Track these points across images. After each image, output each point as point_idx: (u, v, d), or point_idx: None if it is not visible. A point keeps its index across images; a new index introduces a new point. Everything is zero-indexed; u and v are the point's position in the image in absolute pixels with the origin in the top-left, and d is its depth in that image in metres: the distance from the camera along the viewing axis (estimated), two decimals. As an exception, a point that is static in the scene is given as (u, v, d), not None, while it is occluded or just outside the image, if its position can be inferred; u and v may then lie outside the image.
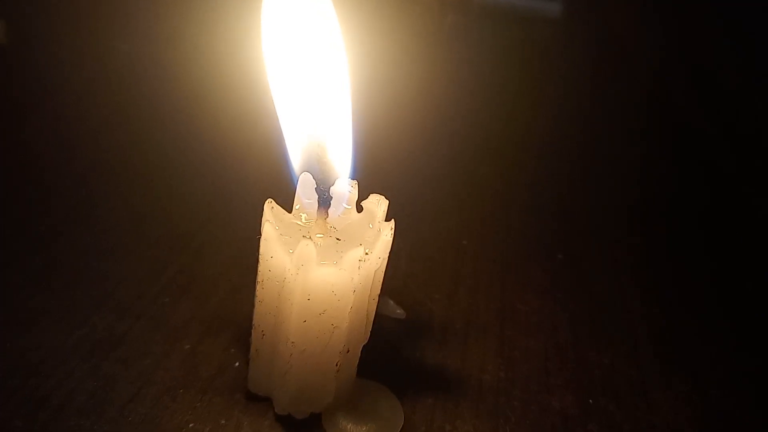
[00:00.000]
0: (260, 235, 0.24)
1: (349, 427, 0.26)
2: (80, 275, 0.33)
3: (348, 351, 0.26)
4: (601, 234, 0.44)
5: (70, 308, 0.31)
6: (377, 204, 0.26)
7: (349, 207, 0.26)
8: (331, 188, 0.25)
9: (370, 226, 0.26)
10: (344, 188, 0.26)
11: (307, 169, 0.25)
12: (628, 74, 0.74)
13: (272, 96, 0.25)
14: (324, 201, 0.25)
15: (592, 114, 0.64)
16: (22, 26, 0.55)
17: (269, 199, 0.25)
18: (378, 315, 0.27)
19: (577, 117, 0.63)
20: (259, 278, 0.25)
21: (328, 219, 0.25)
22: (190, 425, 0.26)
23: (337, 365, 0.25)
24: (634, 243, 0.44)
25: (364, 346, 0.27)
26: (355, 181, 0.26)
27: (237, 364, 0.29)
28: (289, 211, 0.26)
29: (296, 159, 0.25)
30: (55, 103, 0.50)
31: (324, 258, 0.24)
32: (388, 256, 0.25)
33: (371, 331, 0.27)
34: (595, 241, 0.43)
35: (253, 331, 0.26)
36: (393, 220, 0.25)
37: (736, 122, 0.62)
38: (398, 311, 0.33)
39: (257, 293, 0.25)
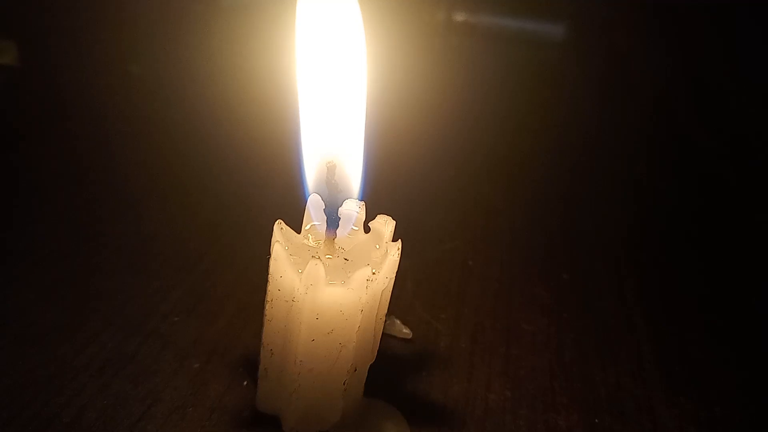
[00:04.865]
0: (270, 255, 0.25)
1: (356, 445, 0.27)
2: (91, 293, 0.34)
3: (355, 370, 0.26)
4: (606, 253, 0.44)
5: (80, 326, 0.31)
6: (384, 225, 0.26)
7: (357, 228, 0.26)
8: (340, 209, 0.25)
9: (378, 246, 0.26)
10: (352, 209, 0.26)
11: (316, 191, 0.26)
12: (631, 94, 0.74)
13: (294, 116, 0.25)
14: (332, 222, 0.25)
15: (596, 134, 0.65)
16: (33, 49, 0.56)
17: (279, 220, 0.25)
18: (385, 335, 0.28)
19: (581, 137, 0.63)
20: (268, 297, 0.25)
21: (336, 240, 0.26)
22: (199, 443, 0.27)
23: (344, 384, 0.25)
24: (638, 261, 0.44)
25: (371, 365, 0.27)
26: (363, 203, 0.26)
27: (245, 382, 0.29)
28: (298, 232, 0.26)
29: (308, 180, 0.26)
30: (66, 125, 0.51)
31: (332, 278, 0.24)
32: (395, 277, 0.26)
33: (378, 351, 0.27)
34: (600, 261, 0.43)
35: (261, 349, 0.26)
36: (400, 240, 0.25)
37: (739, 139, 0.62)
38: (405, 331, 0.33)
39: (266, 312, 0.26)
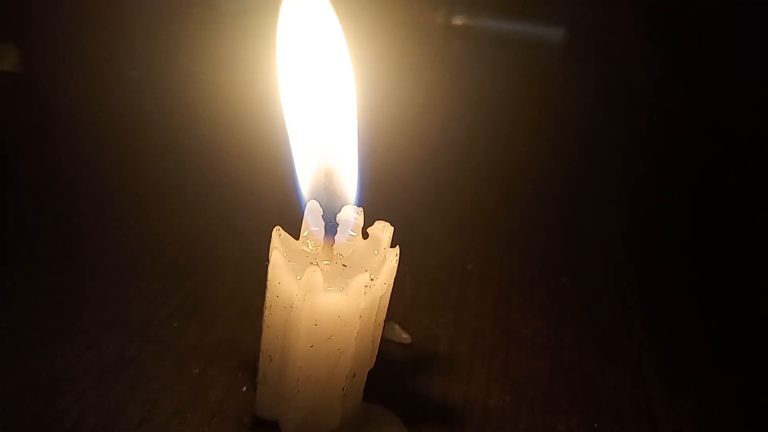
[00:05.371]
0: (268, 261, 0.25)
1: (355, 451, 0.27)
2: (91, 298, 0.34)
3: (354, 375, 0.26)
4: (605, 255, 0.44)
5: (81, 330, 0.32)
6: (382, 230, 0.26)
7: (355, 234, 0.26)
8: (338, 215, 0.26)
9: (376, 252, 0.26)
10: (350, 215, 0.26)
11: (314, 197, 0.26)
12: (630, 94, 0.74)
13: (285, 123, 0.25)
14: (330, 228, 0.25)
15: (595, 136, 0.65)
16: (35, 54, 0.56)
17: (277, 227, 0.25)
18: (384, 340, 0.28)
19: (579, 139, 0.63)
20: (266, 304, 0.25)
21: (334, 246, 0.26)
22: (199, 449, 0.27)
23: (343, 390, 0.25)
24: (638, 263, 0.44)
25: (370, 370, 0.27)
26: (361, 209, 0.26)
27: (245, 388, 0.29)
28: (297, 238, 0.26)
29: (305, 187, 0.26)
30: (67, 129, 0.51)
31: (330, 284, 0.24)
32: (394, 282, 0.26)
33: (377, 356, 0.27)
34: (599, 264, 0.43)
35: (260, 355, 0.27)
36: (398, 246, 0.25)
37: (738, 140, 0.62)
38: (404, 336, 0.33)
39: (265, 318, 0.26)
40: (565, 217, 0.49)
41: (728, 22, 0.69)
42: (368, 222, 0.27)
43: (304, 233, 0.26)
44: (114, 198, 0.43)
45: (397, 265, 0.25)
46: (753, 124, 0.63)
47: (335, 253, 0.26)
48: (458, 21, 0.81)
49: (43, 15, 0.57)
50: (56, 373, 0.29)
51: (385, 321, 0.27)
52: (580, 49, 0.82)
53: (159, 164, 0.48)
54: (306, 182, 0.26)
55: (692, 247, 0.47)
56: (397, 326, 0.34)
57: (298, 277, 0.24)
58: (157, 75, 0.61)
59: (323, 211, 0.25)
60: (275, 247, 0.24)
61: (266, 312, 0.25)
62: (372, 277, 0.24)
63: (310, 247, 0.26)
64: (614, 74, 0.78)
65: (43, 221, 0.40)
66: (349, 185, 0.26)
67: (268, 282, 0.25)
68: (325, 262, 0.25)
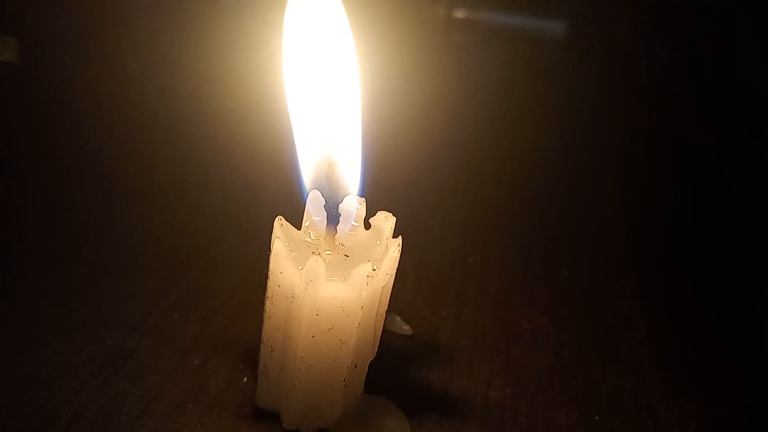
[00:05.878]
0: (270, 251, 0.25)
1: (356, 442, 0.27)
2: (90, 291, 0.34)
3: (355, 366, 0.26)
4: (606, 252, 0.44)
5: (80, 323, 0.31)
6: (385, 221, 0.26)
7: (357, 224, 0.26)
8: (340, 205, 0.25)
9: (378, 242, 0.26)
10: (352, 205, 0.26)
11: (316, 187, 0.26)
12: (631, 93, 0.74)
13: (288, 114, 0.25)
14: (333, 218, 0.25)
15: (597, 133, 0.65)
16: (35, 45, 0.56)
17: (279, 216, 0.25)
18: (385, 331, 0.28)
19: (581, 136, 0.63)
20: (268, 294, 0.25)
21: (336, 236, 0.25)
22: (199, 440, 0.26)
23: (344, 380, 0.25)
24: (638, 261, 0.44)
25: (371, 362, 0.27)
26: (363, 199, 0.26)
27: (245, 379, 0.29)
28: (299, 228, 0.26)
29: (307, 176, 0.26)
30: (67, 122, 0.51)
31: (333, 274, 0.24)
32: (395, 273, 0.26)
33: (378, 348, 0.27)
34: (600, 260, 0.43)
35: (262, 346, 0.26)
36: (400, 236, 0.25)
37: (739, 139, 0.62)
38: (405, 327, 0.33)
39: (266, 309, 0.26)
40: (566, 214, 0.49)
41: (728, 21, 0.69)
42: (371, 213, 0.27)
43: (306, 223, 0.26)
44: (114, 192, 0.43)
45: (399, 255, 0.25)
46: (754, 123, 0.63)
47: (337, 243, 0.26)
48: (459, 14, 0.81)
49: (43, 6, 0.57)
50: (56, 366, 0.29)
51: (386, 312, 0.27)
52: (582, 45, 0.82)
53: (160, 159, 0.48)
54: (308, 172, 0.26)
55: (693, 246, 0.47)
56: (398, 318, 0.33)
57: (300, 267, 0.24)
58: (158, 69, 0.61)
59: (325, 201, 0.25)
60: (277, 237, 0.24)
61: (268, 302, 0.25)
62: (374, 267, 0.24)
63: (312, 237, 0.26)
64: (615, 73, 0.78)
65: (42, 215, 0.39)
66: (351, 176, 0.26)
67: (269, 272, 0.25)
68: (327, 252, 0.25)
